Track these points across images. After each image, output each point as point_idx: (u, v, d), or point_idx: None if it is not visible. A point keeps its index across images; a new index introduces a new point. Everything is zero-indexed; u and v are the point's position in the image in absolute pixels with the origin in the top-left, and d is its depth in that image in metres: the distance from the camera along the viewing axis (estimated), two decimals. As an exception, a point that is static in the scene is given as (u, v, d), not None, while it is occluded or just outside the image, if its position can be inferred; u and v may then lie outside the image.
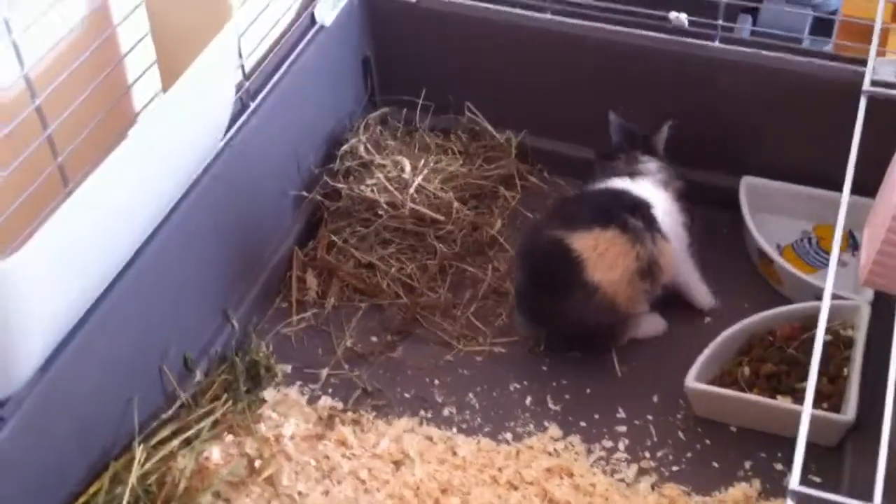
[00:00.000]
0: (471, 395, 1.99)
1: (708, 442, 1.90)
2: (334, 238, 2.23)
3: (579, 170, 2.26)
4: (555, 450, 1.88)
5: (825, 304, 1.34)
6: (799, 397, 1.86)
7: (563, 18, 2.28)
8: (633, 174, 2.10)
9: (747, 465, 1.86)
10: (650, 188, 2.07)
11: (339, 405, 1.96)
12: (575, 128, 2.31)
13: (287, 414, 1.92)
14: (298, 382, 2.01)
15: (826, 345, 1.88)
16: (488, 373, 2.03)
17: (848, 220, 1.46)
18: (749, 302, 2.10)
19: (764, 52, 2.16)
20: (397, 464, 1.85)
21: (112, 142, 1.58)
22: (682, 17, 2.20)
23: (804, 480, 1.12)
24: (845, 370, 1.89)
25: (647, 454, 1.88)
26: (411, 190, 2.23)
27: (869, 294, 1.98)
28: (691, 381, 1.89)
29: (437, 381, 2.02)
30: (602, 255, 1.91)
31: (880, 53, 1.78)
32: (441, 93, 2.43)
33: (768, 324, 1.99)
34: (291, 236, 2.24)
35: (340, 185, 2.28)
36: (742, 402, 1.88)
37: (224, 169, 1.94)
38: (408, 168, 2.29)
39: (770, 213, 2.25)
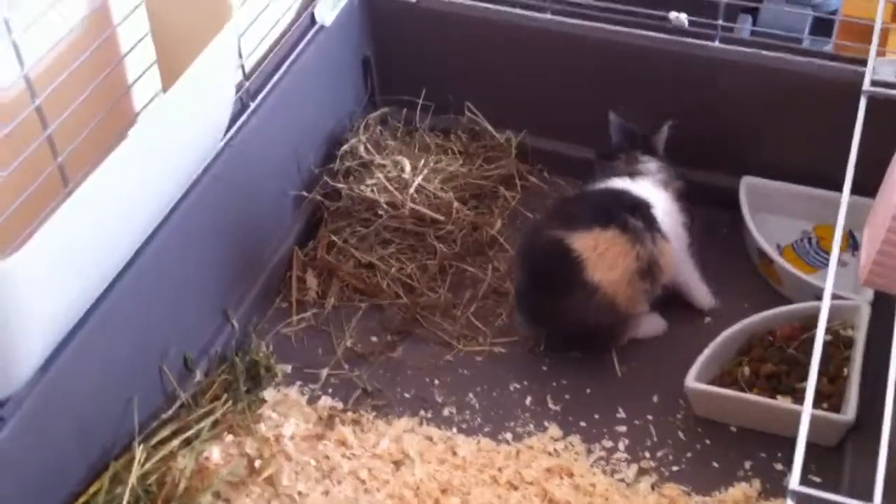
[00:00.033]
0: (471, 395, 2.00)
1: (708, 442, 1.90)
2: (334, 238, 2.24)
3: (579, 170, 2.26)
4: (555, 450, 1.88)
5: (825, 304, 1.34)
6: (799, 397, 1.86)
7: (563, 18, 2.28)
8: (633, 174, 2.10)
9: (747, 465, 1.86)
10: (650, 188, 2.07)
11: (339, 405, 1.97)
12: (575, 128, 2.31)
13: (287, 414, 1.92)
14: (298, 382, 2.01)
15: (826, 345, 1.88)
16: (488, 373, 2.03)
17: (848, 220, 1.46)
18: (749, 302, 2.10)
19: (764, 52, 2.16)
20: (397, 464, 1.85)
21: (112, 142, 1.58)
22: (682, 17, 2.20)
23: (804, 480, 1.12)
24: (845, 370, 1.89)
25: (647, 454, 1.88)
26: (411, 190, 2.23)
27: (869, 294, 1.98)
28: (691, 381, 1.89)
29: (437, 381, 2.02)
30: (602, 255, 1.91)
31: (880, 53, 1.78)
32: (441, 93, 2.43)
33: (768, 324, 1.99)
34: (291, 236, 2.24)
35: (340, 185, 2.28)
36: (742, 402, 1.88)
37: (224, 169, 1.94)
38: (408, 168, 2.29)
39: (770, 213, 2.25)
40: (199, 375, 1.94)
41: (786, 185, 2.25)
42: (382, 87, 2.53)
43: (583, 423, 1.94)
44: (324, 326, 2.13)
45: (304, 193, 2.27)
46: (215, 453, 1.79)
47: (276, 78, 2.12)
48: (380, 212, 2.23)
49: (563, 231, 1.94)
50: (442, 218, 2.23)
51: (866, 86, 1.67)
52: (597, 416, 1.95)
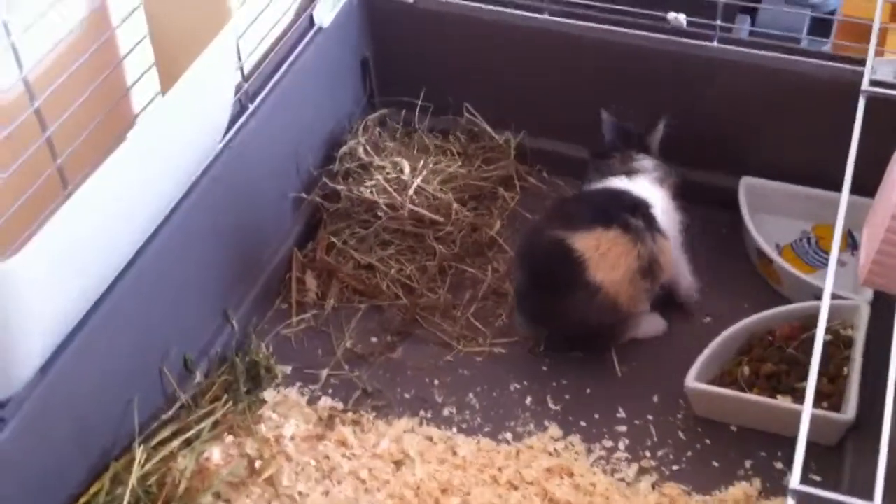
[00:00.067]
0: (471, 395, 2.00)
1: (708, 441, 1.90)
2: (334, 239, 2.24)
3: (578, 170, 2.26)
4: (555, 449, 1.88)
5: (825, 304, 1.34)
6: (799, 397, 1.86)
7: (561, 19, 2.28)
8: (629, 172, 2.10)
9: (747, 464, 1.86)
10: (648, 187, 2.07)
11: (339, 406, 1.97)
12: (574, 128, 2.31)
13: (287, 414, 1.92)
14: (298, 383, 2.01)
15: (826, 344, 1.88)
16: (488, 373, 2.04)
17: (847, 219, 1.46)
18: (749, 302, 2.10)
19: (762, 53, 2.16)
20: (397, 464, 1.85)
21: (111, 144, 1.58)
22: (680, 18, 2.20)
23: (804, 479, 1.12)
24: (845, 369, 1.89)
25: (648, 454, 1.88)
26: (410, 191, 2.24)
27: (868, 294, 1.98)
28: (691, 380, 1.89)
29: (436, 382, 2.02)
30: (604, 255, 1.91)
31: (879, 53, 1.78)
32: (440, 94, 2.44)
33: (768, 323, 1.99)
34: (291, 238, 2.24)
35: (340, 187, 2.28)
36: (742, 401, 1.88)
37: (223, 170, 1.95)
38: (407, 169, 2.29)
39: (769, 213, 2.25)
40: (199, 376, 1.94)
41: (785, 186, 2.25)
42: (381, 89, 2.53)
43: (583, 423, 1.94)
44: (323, 327, 2.13)
45: (304, 195, 2.27)
46: (215, 454, 1.79)
47: (275, 79, 2.12)
48: (379, 213, 2.23)
49: (565, 231, 1.94)
50: (441, 219, 2.23)
51: (865, 86, 1.67)
52: (597, 416, 1.95)
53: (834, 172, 1.60)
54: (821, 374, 1.79)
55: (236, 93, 1.98)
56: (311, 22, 2.27)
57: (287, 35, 2.20)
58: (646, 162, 2.13)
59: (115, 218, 1.61)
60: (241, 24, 1.97)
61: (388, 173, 2.29)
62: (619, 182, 2.08)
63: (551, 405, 1.97)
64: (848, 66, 2.08)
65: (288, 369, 2.03)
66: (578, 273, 1.91)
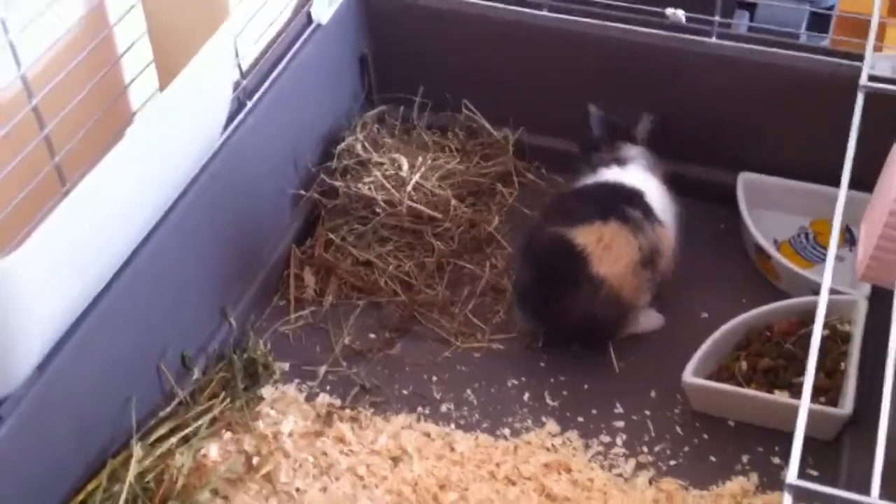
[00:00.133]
0: (469, 391, 2.00)
1: (705, 436, 1.91)
2: (332, 236, 2.24)
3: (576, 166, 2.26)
4: (553, 445, 1.89)
5: (822, 299, 1.34)
6: (796, 392, 1.86)
7: (559, 16, 2.28)
8: (618, 161, 2.10)
9: (745, 459, 1.86)
10: (640, 175, 2.08)
11: (338, 402, 1.97)
12: (572, 124, 2.31)
13: (285, 411, 1.92)
14: (296, 380, 2.01)
15: (823, 339, 1.89)
16: (486, 369, 2.04)
17: (845, 215, 1.46)
18: (746, 297, 2.10)
19: (761, 48, 2.16)
20: (395, 460, 1.85)
21: (109, 141, 1.58)
22: (678, 14, 2.20)
23: (802, 474, 1.12)
24: (842, 364, 1.89)
25: (645, 449, 1.89)
26: (409, 188, 2.24)
27: (866, 289, 1.98)
28: (689, 376, 1.89)
29: (435, 378, 2.02)
30: (607, 248, 1.91)
31: (877, 49, 1.78)
32: (438, 90, 2.44)
33: (766, 319, 1.99)
34: (289, 234, 2.24)
35: (338, 184, 2.28)
36: (739, 396, 1.88)
37: (221, 168, 1.95)
38: (405, 166, 2.29)
39: (767, 208, 2.25)
40: (197, 373, 1.94)
41: (783, 181, 2.25)
42: (379, 85, 2.53)
43: (580, 419, 1.94)
44: (322, 324, 2.13)
45: (302, 192, 2.27)
46: (213, 451, 1.79)
47: (272, 77, 2.12)
48: (377, 209, 2.23)
49: (565, 227, 1.94)
50: (439, 215, 2.23)
51: (863, 81, 1.66)
52: (594, 412, 1.95)
53: (832, 168, 1.60)
54: (818, 368, 1.79)
55: (234, 90, 1.98)
56: (309, 19, 2.27)
57: (285, 32, 2.20)
58: (633, 151, 2.13)
59: (113, 215, 1.61)
60: (239, 22, 1.97)
61: (386, 170, 2.29)
62: (611, 174, 2.08)
63: (549, 401, 1.98)
64: (846, 62, 2.09)
65: (286, 366, 2.04)
66: (581, 268, 1.91)
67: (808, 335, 1.54)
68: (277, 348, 2.07)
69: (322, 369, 2.03)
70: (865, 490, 1.10)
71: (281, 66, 2.15)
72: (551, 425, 1.92)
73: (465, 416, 1.95)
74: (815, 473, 1.81)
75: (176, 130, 1.75)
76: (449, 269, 2.21)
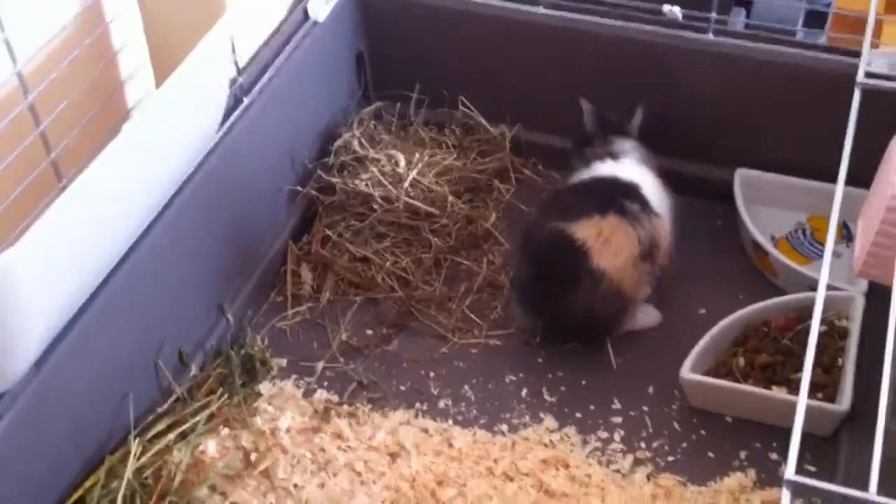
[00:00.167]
0: (466, 387, 2.00)
1: (703, 432, 1.91)
2: (329, 232, 2.24)
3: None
4: (550, 441, 1.89)
5: (820, 295, 1.35)
6: (794, 388, 1.86)
7: (556, 13, 2.28)
8: (612, 155, 2.11)
9: (742, 455, 1.87)
10: (634, 168, 2.08)
11: (335, 398, 1.97)
12: (569, 121, 2.31)
13: (283, 407, 1.92)
14: (294, 376, 2.01)
15: (821, 335, 1.88)
16: (484, 365, 2.04)
17: (842, 211, 1.47)
18: (744, 293, 2.11)
19: (758, 45, 2.16)
20: (393, 456, 1.85)
21: (105, 137, 1.58)
22: (675, 10, 2.20)
23: (799, 470, 1.12)
24: (840, 360, 1.89)
25: (643, 445, 1.89)
26: (406, 184, 2.23)
27: (863, 285, 1.98)
28: (686, 371, 1.90)
29: (432, 374, 2.02)
30: (607, 242, 1.91)
31: (874, 45, 1.78)
32: (435, 87, 2.43)
33: (763, 315, 1.99)
34: (286, 231, 2.24)
35: (335, 180, 2.28)
36: (737, 392, 1.88)
37: (218, 164, 1.94)
38: (402, 162, 2.29)
39: (764, 204, 2.26)
40: (194, 369, 1.94)
41: (780, 177, 2.25)
42: (376, 82, 2.52)
43: (578, 415, 1.94)
44: (319, 320, 2.13)
45: (299, 188, 2.27)
46: (211, 447, 1.79)
47: (269, 73, 2.12)
48: (374, 206, 2.23)
49: (564, 222, 1.94)
50: (436, 212, 2.23)
51: (860, 78, 1.67)
52: (592, 408, 1.95)
53: (829, 164, 1.60)
54: (816, 364, 1.79)
55: (231, 87, 1.98)
56: (306, 16, 2.27)
57: (281, 29, 2.20)
58: (626, 144, 2.13)
59: (109, 212, 1.61)
60: (236, 18, 1.97)
61: (383, 166, 2.29)
62: (605, 168, 2.08)
63: (547, 397, 1.98)
64: (843, 58, 2.09)
65: (283, 362, 2.04)
66: (581, 262, 1.91)
67: (806, 331, 1.54)
68: (275, 344, 2.07)
69: (319, 365, 2.03)
70: (863, 486, 1.10)
71: (278, 63, 2.15)
72: (549, 421, 1.93)
73: (463, 412, 1.95)
74: (812, 469, 1.81)
75: (172, 127, 1.75)
76: (446, 265, 2.21)
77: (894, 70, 1.69)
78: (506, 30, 2.31)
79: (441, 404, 1.97)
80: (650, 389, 1.98)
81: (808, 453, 1.82)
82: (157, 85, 1.88)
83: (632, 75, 2.24)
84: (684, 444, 1.89)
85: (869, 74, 1.67)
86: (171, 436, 1.77)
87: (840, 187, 1.48)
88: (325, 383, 2.01)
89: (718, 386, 1.89)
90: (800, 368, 1.56)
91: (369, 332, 2.11)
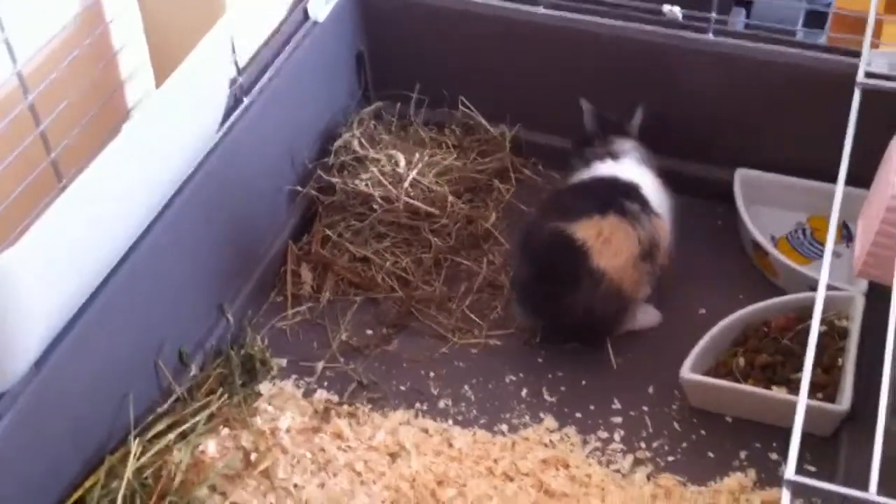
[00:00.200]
0: (466, 387, 2.00)
1: (703, 432, 1.91)
2: (329, 232, 2.24)
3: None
4: (550, 441, 1.89)
5: (820, 295, 1.35)
6: (794, 388, 1.86)
7: (556, 13, 2.28)
8: (612, 155, 2.11)
9: (742, 455, 1.87)
10: (634, 168, 2.08)
11: (335, 398, 1.97)
12: (569, 121, 2.31)
13: (283, 407, 1.92)
14: (294, 376, 2.01)
15: (821, 335, 1.88)
16: (484, 365, 2.04)
17: (842, 211, 1.47)
18: (744, 293, 2.10)
19: (758, 45, 2.16)
20: (393, 456, 1.85)
21: (105, 137, 1.58)
22: (675, 10, 2.20)
23: (799, 470, 1.12)
24: (840, 360, 1.89)
25: (643, 445, 1.89)
26: (406, 184, 2.23)
27: (863, 285, 1.98)
28: (686, 371, 1.90)
29: (432, 374, 2.02)
30: (607, 242, 1.91)
31: (874, 45, 1.78)
32: (435, 87, 2.43)
33: (763, 315, 1.99)
34: (286, 231, 2.24)
35: (335, 180, 2.28)
36: (737, 392, 1.88)
37: (218, 164, 1.94)
38: (402, 162, 2.29)
39: (764, 204, 2.26)
40: (194, 369, 1.94)
41: (780, 177, 2.25)
42: (376, 82, 2.52)
43: (578, 415, 1.94)
44: (319, 320, 2.13)
45: (299, 188, 2.27)
46: (211, 447, 1.79)
47: (269, 73, 2.12)
48: (374, 206, 2.23)
49: (564, 222, 1.94)
50: (436, 212, 2.23)
51: (860, 78, 1.67)
52: (592, 408, 1.95)
53: (829, 164, 1.60)
54: (816, 365, 1.79)
55: (231, 86, 1.98)
56: (306, 16, 2.27)
57: (281, 29, 2.20)
58: (626, 144, 2.13)
59: (109, 212, 1.61)
60: (236, 18, 1.97)
61: (383, 166, 2.29)
62: (605, 168, 2.08)
63: (547, 397, 1.98)
64: (843, 58, 2.09)
65: (283, 362, 2.04)
66: (582, 262, 1.91)
67: (806, 331, 1.54)
68: (275, 344, 2.07)
69: (319, 365, 2.03)
70: (863, 486, 1.10)
71: (278, 63, 2.15)
72: (549, 421, 1.93)
73: (463, 412, 1.95)
74: (812, 469, 1.81)
75: (172, 127, 1.75)
76: (446, 265, 2.21)
77: (894, 70, 1.69)
78: (506, 30, 2.31)
79: (441, 404, 1.97)
80: (650, 389, 1.98)
81: (808, 453, 1.82)
82: (157, 85, 1.88)
83: (632, 75, 2.24)
84: (684, 444, 1.89)
85: (869, 74, 1.67)
86: (171, 436, 1.77)
87: (840, 187, 1.48)
88: (325, 383, 2.01)
89: (718, 386, 1.89)
90: (800, 368, 1.56)
91: (369, 332, 2.11)
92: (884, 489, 1.10)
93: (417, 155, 2.32)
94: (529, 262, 2.00)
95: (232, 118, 2.00)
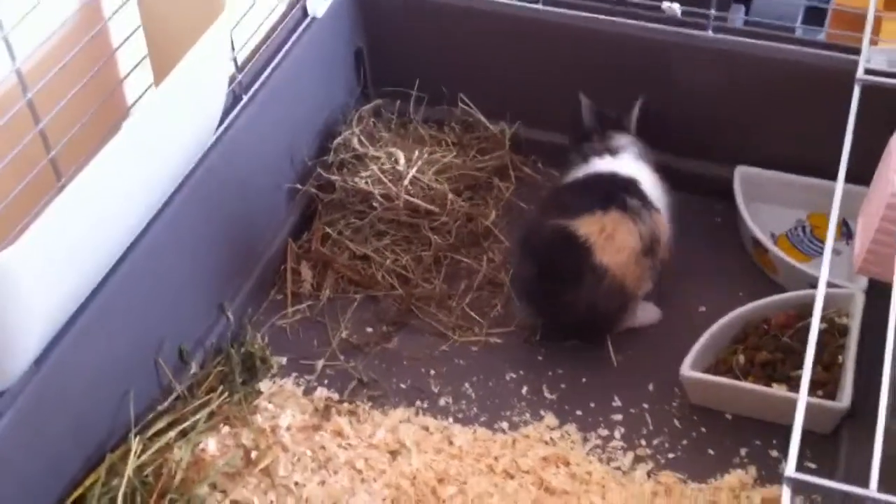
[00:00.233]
0: (467, 384, 2.00)
1: (703, 430, 1.91)
2: (329, 230, 2.24)
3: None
4: (551, 438, 1.89)
5: (820, 293, 1.35)
6: (794, 385, 1.86)
7: (555, 9, 2.28)
8: (610, 150, 2.11)
9: (743, 452, 1.87)
10: (632, 164, 2.08)
11: (335, 396, 1.97)
12: (569, 119, 2.31)
13: (283, 405, 1.92)
14: (294, 374, 2.01)
15: (821, 333, 1.88)
16: (484, 363, 2.04)
17: (842, 208, 1.46)
18: (744, 291, 2.11)
19: (757, 42, 2.16)
20: (394, 454, 1.85)
21: (105, 135, 1.58)
22: (674, 7, 2.20)
23: (800, 467, 1.12)
24: (840, 358, 1.89)
25: (643, 442, 1.89)
26: (405, 182, 2.23)
27: (863, 282, 1.99)
28: (686, 369, 1.90)
29: (432, 372, 2.02)
30: (610, 238, 1.91)
31: (873, 42, 1.78)
32: (434, 84, 2.43)
33: (763, 312, 1.99)
34: (286, 229, 2.24)
35: (334, 178, 2.28)
36: (737, 390, 1.88)
37: (217, 162, 1.94)
38: (402, 160, 2.29)
39: (764, 202, 2.26)
40: (194, 367, 1.94)
41: (780, 174, 2.25)
42: (375, 79, 2.52)
43: (579, 412, 1.94)
44: (319, 318, 2.13)
45: (298, 186, 2.27)
46: (211, 445, 1.79)
47: (268, 70, 2.12)
48: (374, 203, 2.23)
49: (566, 219, 1.94)
50: (436, 209, 2.23)
51: (860, 74, 1.67)
52: (593, 405, 1.95)
53: (829, 161, 1.60)
54: (816, 362, 1.79)
55: (230, 84, 1.97)
56: (305, 13, 2.27)
57: (280, 26, 2.20)
58: (624, 140, 2.13)
59: (109, 210, 1.61)
60: (235, 15, 1.97)
61: (382, 164, 2.29)
62: (604, 164, 2.08)
63: (547, 394, 1.98)
64: (842, 55, 2.09)
65: (283, 360, 2.04)
66: (584, 258, 1.91)
67: (806, 328, 1.54)
68: (275, 342, 2.07)
69: (320, 363, 2.03)
70: (864, 483, 1.10)
71: (277, 60, 2.15)
72: (549, 419, 1.93)
73: (464, 409, 1.95)
74: (813, 466, 1.81)
75: (172, 125, 1.75)
76: (446, 262, 2.21)
77: (894, 67, 1.70)
78: (506, 27, 2.31)
79: (441, 402, 1.97)
80: (650, 387, 1.98)
81: (808, 450, 1.82)
82: (157, 82, 1.87)
83: (631, 72, 2.24)
84: (685, 442, 1.89)
85: (868, 71, 1.67)
86: (172, 434, 1.77)
87: (840, 184, 1.48)
88: (326, 381, 2.01)
89: (718, 383, 1.89)
90: (800, 366, 1.56)
91: (369, 329, 2.11)
92: (884, 486, 1.09)
93: (417, 152, 2.31)
94: (531, 259, 2.00)
95: (231, 116, 2.00)
